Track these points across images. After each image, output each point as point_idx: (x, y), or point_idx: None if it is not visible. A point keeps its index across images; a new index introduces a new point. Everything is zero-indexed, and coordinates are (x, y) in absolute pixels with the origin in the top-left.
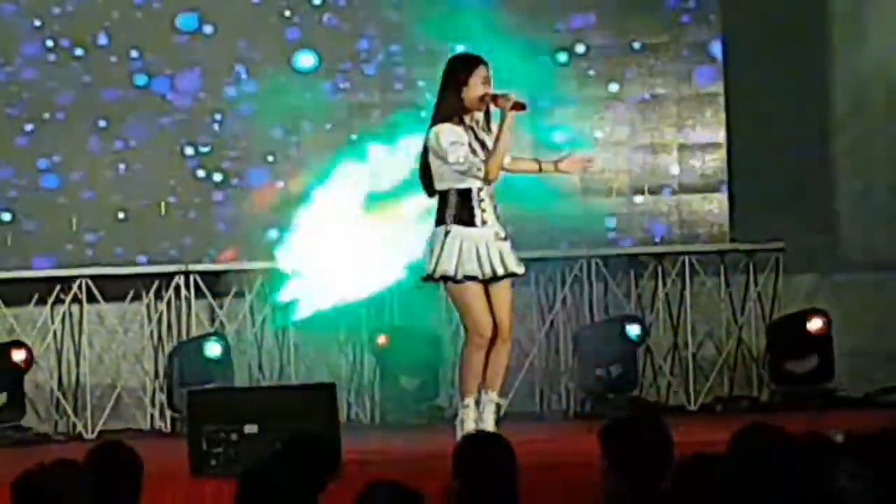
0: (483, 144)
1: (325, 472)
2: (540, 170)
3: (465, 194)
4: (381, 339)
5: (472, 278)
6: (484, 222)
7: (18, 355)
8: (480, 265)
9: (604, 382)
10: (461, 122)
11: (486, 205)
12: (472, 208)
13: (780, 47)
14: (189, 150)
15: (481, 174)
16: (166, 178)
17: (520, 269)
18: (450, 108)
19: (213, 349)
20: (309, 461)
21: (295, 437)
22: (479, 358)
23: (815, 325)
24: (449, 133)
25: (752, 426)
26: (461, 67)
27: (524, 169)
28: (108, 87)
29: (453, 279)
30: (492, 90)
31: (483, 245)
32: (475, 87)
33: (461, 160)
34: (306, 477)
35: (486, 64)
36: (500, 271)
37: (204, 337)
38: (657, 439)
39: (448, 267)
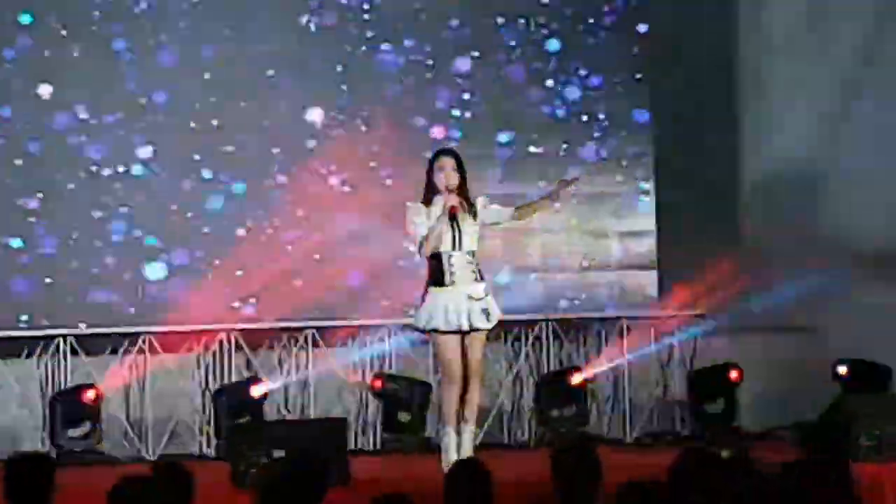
0: (458, 226)
1: (323, 485)
2: (543, 207)
3: (437, 258)
4: (376, 383)
5: (436, 330)
6: (453, 283)
7: (90, 394)
8: (447, 320)
9: (558, 420)
10: (429, 202)
11: (457, 269)
12: (442, 271)
13: (701, 150)
14: None
15: (421, 250)
16: None
17: (485, 325)
18: (425, 191)
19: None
20: (313, 474)
21: (296, 455)
22: (451, 392)
23: (732, 375)
24: (409, 211)
25: (689, 450)
26: (431, 159)
27: (531, 214)
28: None
29: (423, 330)
30: (448, 179)
31: (453, 303)
32: (436, 177)
33: (413, 235)
34: (307, 486)
35: (448, 155)
36: (465, 327)
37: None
38: (587, 462)
39: (420, 321)
